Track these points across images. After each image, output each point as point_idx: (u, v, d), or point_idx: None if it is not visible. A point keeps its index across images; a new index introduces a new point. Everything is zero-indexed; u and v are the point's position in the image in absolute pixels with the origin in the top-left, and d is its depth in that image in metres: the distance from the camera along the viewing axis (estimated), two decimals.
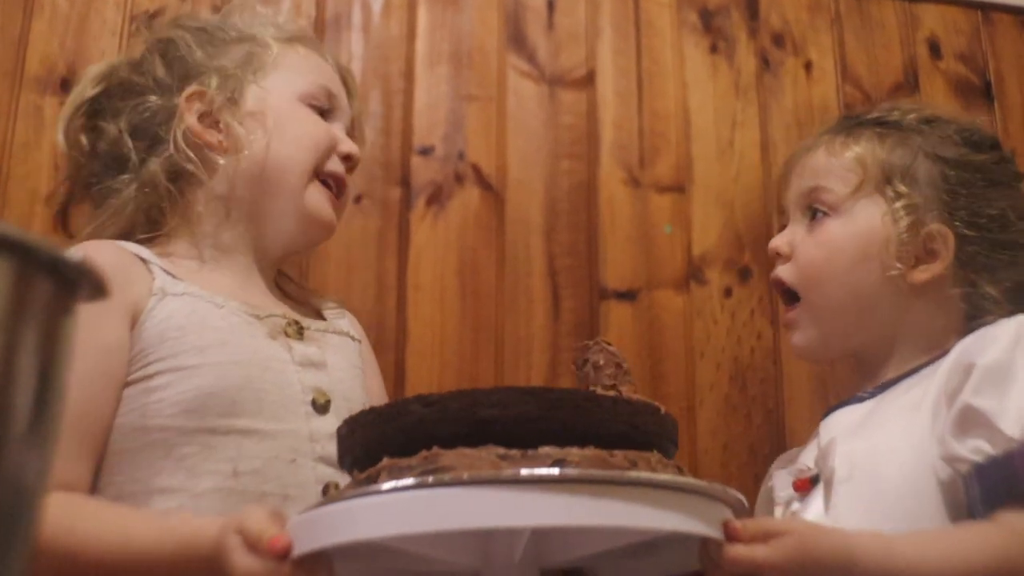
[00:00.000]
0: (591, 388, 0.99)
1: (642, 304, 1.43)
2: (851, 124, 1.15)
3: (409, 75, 1.45)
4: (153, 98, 1.09)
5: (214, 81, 1.08)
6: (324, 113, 1.12)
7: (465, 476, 0.65)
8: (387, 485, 0.67)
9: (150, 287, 0.98)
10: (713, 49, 1.56)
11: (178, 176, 1.07)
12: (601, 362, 1.02)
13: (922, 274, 1.06)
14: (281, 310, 1.06)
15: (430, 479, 0.66)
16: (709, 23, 1.57)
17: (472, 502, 0.65)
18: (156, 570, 0.82)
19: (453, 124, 1.44)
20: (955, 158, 1.09)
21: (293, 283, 1.17)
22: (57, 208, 1.19)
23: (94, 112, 1.12)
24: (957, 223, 1.07)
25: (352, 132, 1.17)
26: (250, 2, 1.19)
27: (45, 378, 0.43)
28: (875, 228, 1.07)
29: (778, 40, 1.58)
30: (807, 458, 1.06)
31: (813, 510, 0.99)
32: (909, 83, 1.59)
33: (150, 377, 0.94)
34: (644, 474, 0.69)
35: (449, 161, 1.43)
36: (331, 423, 0.98)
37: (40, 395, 0.42)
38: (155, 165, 1.06)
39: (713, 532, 0.71)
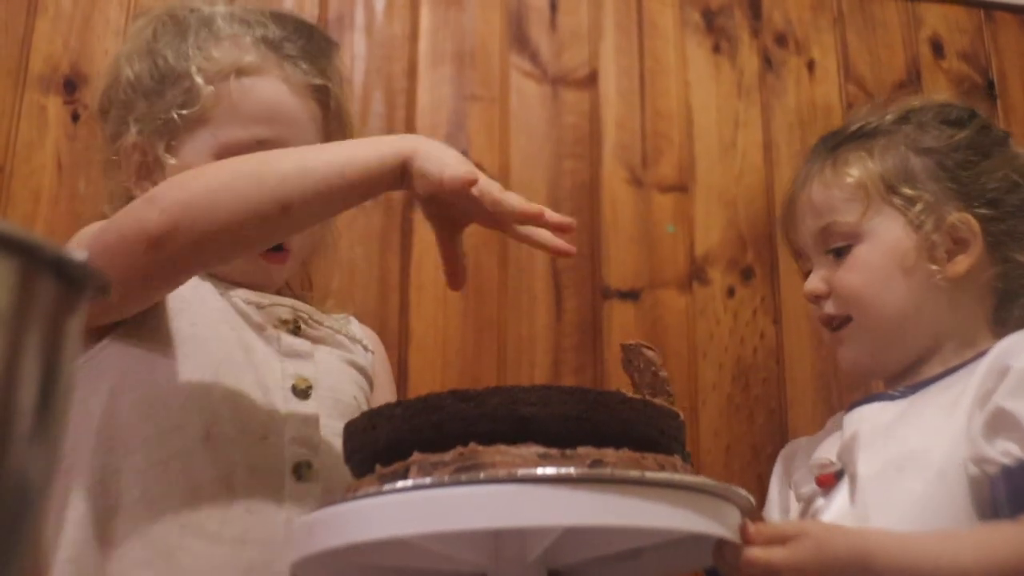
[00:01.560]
0: (640, 389, 1.01)
1: (645, 304, 1.43)
2: (832, 145, 1.14)
3: (412, 75, 1.45)
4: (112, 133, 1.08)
5: (145, 132, 1.03)
6: None
7: (502, 473, 0.65)
8: (425, 480, 0.67)
9: None
10: (716, 49, 1.56)
11: None
12: (641, 366, 1.04)
13: (958, 266, 1.04)
14: (288, 303, 1.05)
15: (463, 476, 0.66)
16: (712, 23, 1.57)
17: (508, 500, 0.65)
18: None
19: (456, 124, 1.44)
20: (942, 144, 1.08)
21: (293, 289, 1.15)
22: None
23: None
24: (972, 205, 1.05)
25: (334, 135, 1.10)
26: (213, 13, 1.08)
27: (50, 377, 0.43)
28: (901, 239, 1.05)
29: (781, 40, 1.58)
30: (827, 451, 1.04)
31: (837, 505, 0.98)
32: (912, 82, 1.59)
33: (146, 340, 0.93)
34: (677, 475, 0.69)
35: None
36: (310, 407, 0.98)
37: (44, 394, 0.42)
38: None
39: (732, 535, 0.72)
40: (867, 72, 1.59)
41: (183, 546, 0.87)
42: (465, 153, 1.42)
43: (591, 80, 1.51)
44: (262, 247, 0.98)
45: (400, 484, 0.67)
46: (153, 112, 1.03)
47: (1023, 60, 1.64)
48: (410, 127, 1.43)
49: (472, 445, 0.68)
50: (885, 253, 1.06)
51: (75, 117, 1.32)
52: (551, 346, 1.39)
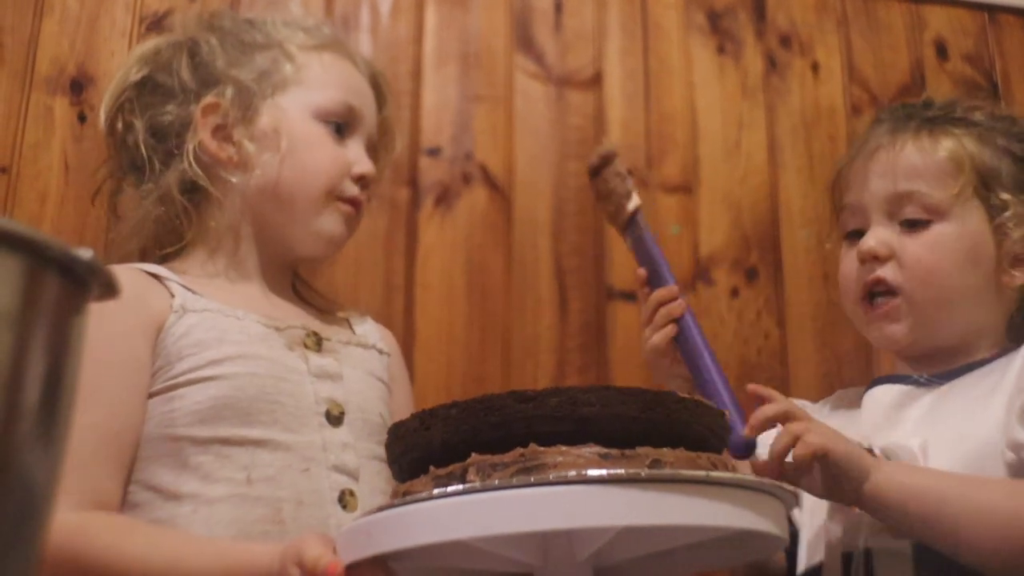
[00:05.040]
0: (610, 198, 1.09)
1: None
2: (925, 117, 1.13)
3: (417, 76, 1.45)
4: (171, 106, 1.09)
5: (229, 92, 1.07)
6: (341, 129, 1.10)
7: (565, 476, 0.65)
8: (493, 482, 0.67)
9: (169, 304, 0.99)
10: (720, 50, 1.56)
11: (193, 190, 1.07)
12: (622, 170, 1.10)
13: (1019, 280, 1.07)
14: (301, 320, 1.06)
15: (532, 478, 0.66)
16: (716, 24, 1.57)
17: (573, 501, 0.65)
18: None
19: (461, 125, 1.45)
20: None
21: (315, 291, 1.17)
22: (97, 189, 1.20)
23: (128, 101, 1.11)
24: None
25: (380, 140, 1.17)
26: (282, 2, 1.16)
27: (56, 376, 0.43)
28: (984, 233, 1.07)
29: (785, 41, 1.58)
30: (843, 428, 1.06)
31: None
32: (916, 84, 1.59)
33: (168, 389, 0.95)
34: (738, 475, 0.70)
35: (457, 162, 1.43)
36: (344, 434, 0.99)
37: (50, 393, 0.42)
38: (171, 178, 1.06)
39: (781, 531, 0.72)
40: (871, 74, 1.59)
41: None
42: (470, 154, 1.44)
43: (596, 81, 1.51)
44: None
45: (464, 486, 0.67)
46: (237, 74, 1.08)
47: None
48: (415, 128, 1.43)
49: (532, 446, 0.68)
50: (962, 239, 1.07)
51: (82, 118, 1.33)
52: (556, 346, 1.39)
